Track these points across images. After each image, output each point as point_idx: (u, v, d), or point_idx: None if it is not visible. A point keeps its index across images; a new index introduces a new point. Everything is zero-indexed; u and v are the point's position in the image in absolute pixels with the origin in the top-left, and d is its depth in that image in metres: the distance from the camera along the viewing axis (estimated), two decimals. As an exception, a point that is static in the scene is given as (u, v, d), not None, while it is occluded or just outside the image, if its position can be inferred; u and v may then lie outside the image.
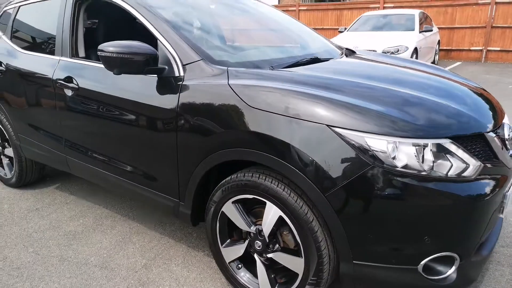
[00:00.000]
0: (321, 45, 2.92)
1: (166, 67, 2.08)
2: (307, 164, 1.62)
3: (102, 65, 2.39)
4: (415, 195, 1.55)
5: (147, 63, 2.01)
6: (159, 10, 2.26)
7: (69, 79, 2.54)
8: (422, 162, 1.55)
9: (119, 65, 1.99)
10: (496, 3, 11.68)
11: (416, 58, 8.61)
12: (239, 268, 2.06)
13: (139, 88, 2.17)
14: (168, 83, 2.07)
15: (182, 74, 2.03)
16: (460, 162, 1.60)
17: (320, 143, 1.61)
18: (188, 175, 2.04)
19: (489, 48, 12.00)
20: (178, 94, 2.00)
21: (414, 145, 1.56)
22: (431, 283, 1.65)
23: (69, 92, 2.54)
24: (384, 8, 13.02)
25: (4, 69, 3.06)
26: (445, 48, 12.58)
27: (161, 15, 2.22)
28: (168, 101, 2.03)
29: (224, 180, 1.95)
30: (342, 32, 9.90)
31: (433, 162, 1.56)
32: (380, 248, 1.62)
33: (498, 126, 1.90)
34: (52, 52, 2.76)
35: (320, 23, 14.57)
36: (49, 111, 2.77)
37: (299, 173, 1.64)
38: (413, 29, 8.98)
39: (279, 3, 24.99)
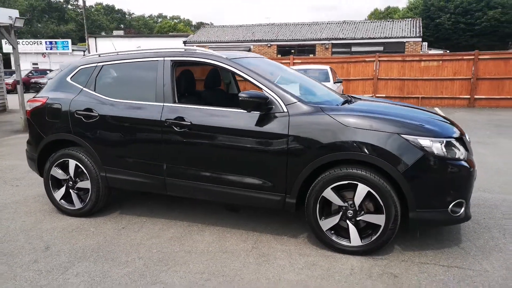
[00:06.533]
0: (337, 94, 4.31)
1: (273, 106, 3.20)
2: (388, 157, 2.90)
3: (210, 108, 3.42)
4: (443, 167, 2.94)
5: (264, 104, 3.14)
6: (260, 72, 3.43)
7: (180, 118, 3.44)
8: (446, 151, 2.95)
9: (251, 105, 3.10)
10: (379, 61, 14.85)
11: (335, 103, 10.65)
12: (332, 234, 3.17)
13: (247, 120, 3.24)
14: (275, 117, 3.19)
15: (286, 110, 3.18)
16: (459, 151, 3.04)
17: (395, 144, 2.92)
18: (296, 175, 3.14)
19: (377, 95, 15.02)
20: (288, 123, 3.13)
21: (440, 142, 2.96)
22: (454, 217, 3.02)
23: (178, 128, 3.43)
24: (293, 64, 15.37)
25: (97, 115, 3.76)
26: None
27: (266, 76, 3.41)
28: (280, 128, 3.16)
29: (324, 175, 3.09)
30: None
31: (447, 151, 2.97)
32: (429, 200, 2.95)
33: (463, 135, 3.44)
34: (151, 99, 3.61)
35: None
36: (151, 144, 3.59)
37: (384, 161, 2.90)
38: (329, 81, 11.12)
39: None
